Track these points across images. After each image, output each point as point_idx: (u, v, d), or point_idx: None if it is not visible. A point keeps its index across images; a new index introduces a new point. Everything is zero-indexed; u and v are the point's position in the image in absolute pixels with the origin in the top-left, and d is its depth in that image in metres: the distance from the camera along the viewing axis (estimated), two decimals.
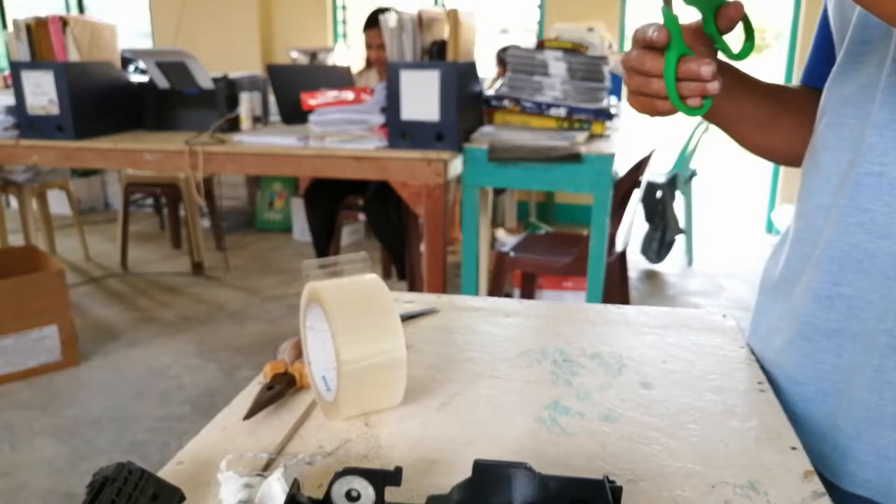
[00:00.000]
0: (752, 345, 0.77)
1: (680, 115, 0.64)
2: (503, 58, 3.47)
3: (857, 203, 0.59)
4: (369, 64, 3.50)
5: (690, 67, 0.58)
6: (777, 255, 0.74)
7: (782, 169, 4.68)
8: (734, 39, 0.61)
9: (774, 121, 0.73)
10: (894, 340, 0.58)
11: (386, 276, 3.60)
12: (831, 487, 0.63)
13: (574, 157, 2.04)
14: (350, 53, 4.04)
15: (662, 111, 0.63)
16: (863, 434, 0.61)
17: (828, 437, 0.64)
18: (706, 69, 0.58)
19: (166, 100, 2.55)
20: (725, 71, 0.68)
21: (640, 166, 2.58)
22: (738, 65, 0.65)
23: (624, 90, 3.33)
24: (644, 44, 0.61)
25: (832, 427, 0.63)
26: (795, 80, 0.78)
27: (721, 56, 0.63)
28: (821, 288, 0.63)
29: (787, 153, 0.75)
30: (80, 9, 5.74)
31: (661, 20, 0.60)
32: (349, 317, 0.59)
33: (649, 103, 0.64)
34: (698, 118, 0.72)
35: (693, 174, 4.08)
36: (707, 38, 0.61)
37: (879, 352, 0.58)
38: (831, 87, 0.65)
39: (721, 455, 0.57)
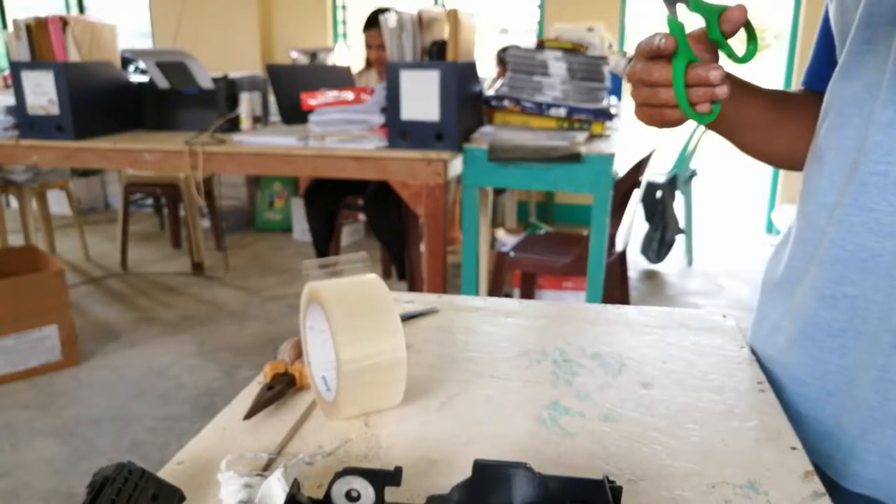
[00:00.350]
0: (754, 344, 0.77)
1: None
2: (503, 58, 3.47)
3: (862, 202, 0.59)
4: (369, 64, 3.50)
5: (699, 73, 0.58)
6: (779, 256, 0.74)
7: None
8: (737, 43, 0.61)
9: (777, 125, 0.74)
10: None
11: (386, 276, 3.60)
12: (835, 487, 0.63)
13: (574, 157, 2.04)
14: (350, 53, 4.04)
15: (671, 120, 0.63)
16: (867, 433, 0.61)
17: (832, 437, 0.64)
18: (715, 74, 0.58)
19: (166, 100, 2.55)
20: (728, 78, 0.68)
21: (640, 166, 2.58)
22: (741, 69, 0.65)
23: (625, 94, 3.33)
24: (650, 54, 0.61)
25: (836, 427, 0.63)
26: (796, 80, 0.79)
27: (725, 60, 0.63)
28: (824, 287, 0.63)
29: (790, 158, 0.75)
30: (80, 9, 5.74)
31: (665, 29, 0.60)
32: (349, 317, 0.59)
33: (658, 114, 0.63)
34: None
35: (693, 174, 4.08)
36: (710, 44, 0.61)
37: (884, 351, 0.58)
38: (834, 88, 0.65)
39: (721, 455, 0.57)
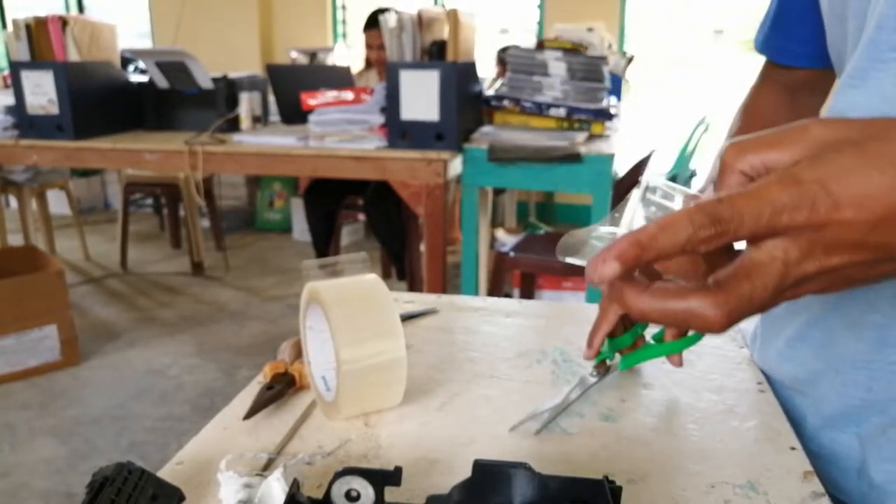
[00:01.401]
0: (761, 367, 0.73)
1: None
2: (503, 58, 3.47)
3: None
4: (369, 64, 3.50)
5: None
6: None
7: None
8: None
9: None
10: None
11: (386, 276, 3.60)
12: None
13: (574, 157, 2.04)
14: (350, 53, 4.04)
15: None
16: None
17: (861, 475, 0.60)
18: (675, 361, 0.62)
19: (166, 100, 2.55)
20: None
21: (640, 166, 2.58)
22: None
23: (625, 94, 3.32)
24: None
25: (863, 464, 0.59)
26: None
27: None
28: (848, 316, 0.58)
29: None
30: (80, 9, 5.74)
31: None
32: (349, 317, 0.59)
33: None
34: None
35: (693, 174, 4.08)
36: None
37: None
38: (846, 96, 0.58)
39: (721, 455, 0.57)
